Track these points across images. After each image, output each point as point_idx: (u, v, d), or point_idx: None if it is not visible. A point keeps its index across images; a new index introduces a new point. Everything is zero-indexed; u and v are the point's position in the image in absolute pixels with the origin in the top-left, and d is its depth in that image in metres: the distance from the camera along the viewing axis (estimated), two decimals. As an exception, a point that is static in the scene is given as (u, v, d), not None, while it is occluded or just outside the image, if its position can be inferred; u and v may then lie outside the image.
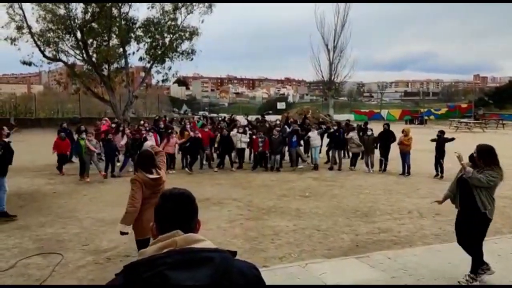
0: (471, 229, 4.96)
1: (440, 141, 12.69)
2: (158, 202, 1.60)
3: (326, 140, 15.17)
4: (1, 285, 5.16)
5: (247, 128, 15.40)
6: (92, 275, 5.46)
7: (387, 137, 13.70)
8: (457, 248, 5.19)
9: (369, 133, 14.06)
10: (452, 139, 12.86)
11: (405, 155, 13.11)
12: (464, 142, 14.12)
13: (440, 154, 12.58)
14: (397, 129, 14.71)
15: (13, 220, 7.90)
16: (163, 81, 26.86)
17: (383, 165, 13.74)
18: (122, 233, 4.68)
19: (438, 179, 12.33)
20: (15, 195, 9.67)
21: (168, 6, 24.16)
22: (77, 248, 6.46)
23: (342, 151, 14.80)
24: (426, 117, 40.95)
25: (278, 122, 17.51)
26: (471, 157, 5.17)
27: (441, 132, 12.86)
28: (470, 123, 33.58)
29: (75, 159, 14.01)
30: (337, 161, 14.23)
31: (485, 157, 4.94)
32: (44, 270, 5.56)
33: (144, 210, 4.62)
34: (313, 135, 14.21)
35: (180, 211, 1.55)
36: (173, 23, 24.48)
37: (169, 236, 1.44)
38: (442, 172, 12.51)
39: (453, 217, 8.14)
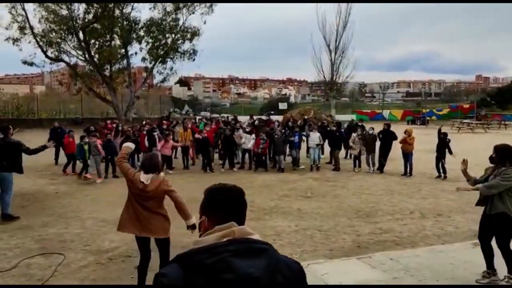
0: (498, 232, 4.88)
1: (442, 142, 12.68)
2: (206, 197, 1.64)
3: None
4: (3, 285, 5.18)
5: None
6: (94, 275, 5.47)
7: (386, 137, 13.69)
8: (458, 248, 5.20)
9: (370, 132, 14.04)
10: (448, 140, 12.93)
11: (407, 155, 13.09)
12: (466, 143, 14.09)
13: (441, 154, 12.57)
14: (399, 129, 14.70)
15: (15, 220, 7.92)
16: (162, 81, 26.92)
17: (380, 165, 13.73)
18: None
19: (441, 180, 12.32)
20: (18, 195, 9.68)
21: (170, 7, 24.21)
22: (79, 248, 6.47)
23: (344, 151, 14.78)
24: (428, 118, 40.88)
25: (277, 123, 17.50)
26: (491, 158, 5.14)
27: (444, 135, 12.82)
28: (472, 123, 33.53)
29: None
30: (335, 161, 14.23)
31: (501, 156, 4.88)
32: (46, 270, 5.58)
33: (125, 206, 4.79)
34: (314, 136, 14.19)
35: (234, 203, 1.60)
36: (174, 23, 24.53)
37: (226, 227, 1.49)
38: (445, 172, 12.50)
39: (454, 217, 8.20)
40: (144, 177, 4.58)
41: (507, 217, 4.77)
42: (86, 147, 12.29)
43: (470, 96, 67.65)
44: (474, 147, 18.98)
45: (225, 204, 1.58)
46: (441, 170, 12.58)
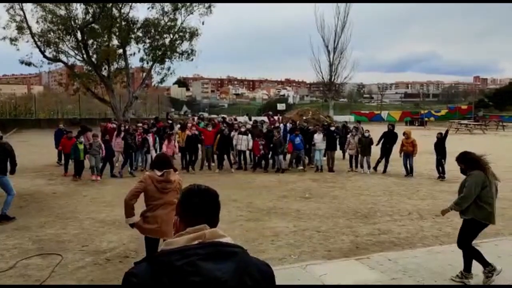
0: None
1: (440, 141, 12.75)
2: (182, 197, 1.66)
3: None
4: (1, 285, 5.16)
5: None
6: (92, 275, 5.45)
7: (390, 138, 13.69)
8: (457, 249, 5.19)
9: (366, 135, 14.05)
10: (447, 131, 13.11)
11: (408, 156, 13.11)
12: (464, 144, 14.13)
13: (441, 154, 12.61)
14: (397, 130, 14.69)
15: (12, 221, 7.89)
16: (161, 81, 26.89)
17: (383, 166, 13.74)
18: (131, 226, 4.81)
19: (439, 181, 12.34)
20: (16, 195, 9.63)
21: (168, 7, 24.19)
22: (77, 249, 6.45)
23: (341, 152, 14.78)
24: (426, 119, 40.95)
25: (277, 124, 17.46)
26: (461, 170, 5.34)
27: (440, 134, 12.97)
28: (470, 124, 33.60)
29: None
30: (330, 161, 14.23)
31: (462, 164, 5.22)
32: (44, 271, 5.56)
33: (150, 209, 4.69)
34: (318, 137, 14.16)
35: (208, 206, 1.62)
36: (172, 23, 24.50)
37: (198, 229, 1.51)
38: (444, 173, 12.53)
39: (453, 219, 8.18)
40: (161, 172, 4.63)
41: (474, 221, 5.02)
42: (81, 146, 12.26)
43: (468, 97, 67.81)
44: (472, 148, 19.00)
45: (197, 206, 1.59)
46: (440, 171, 12.61)
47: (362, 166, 13.91)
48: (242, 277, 1.40)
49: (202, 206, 1.60)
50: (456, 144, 12.86)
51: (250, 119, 20.65)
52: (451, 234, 7.22)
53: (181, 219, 1.61)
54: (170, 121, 17.26)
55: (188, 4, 24.16)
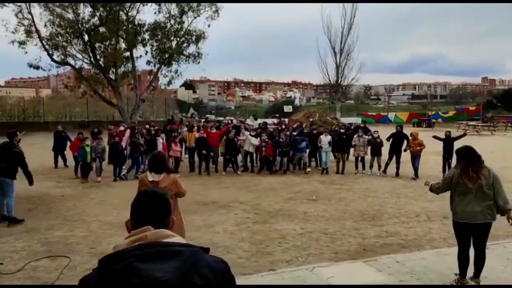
0: None
1: (449, 140, 12.71)
2: (133, 200, 1.71)
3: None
4: (9, 285, 5.20)
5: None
6: (100, 278, 5.47)
7: (399, 139, 13.62)
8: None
9: (375, 135, 14.00)
10: (464, 135, 13.01)
11: (414, 158, 13.03)
12: (472, 145, 13.99)
13: (449, 154, 12.57)
14: (404, 132, 14.62)
15: (20, 223, 7.95)
16: (168, 83, 26.96)
17: (395, 169, 13.65)
18: None
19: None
20: (24, 198, 9.74)
21: (175, 10, 24.29)
22: (85, 251, 6.48)
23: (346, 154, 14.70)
24: (433, 120, 40.70)
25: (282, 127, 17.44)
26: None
27: (449, 132, 13.03)
28: (478, 126, 33.34)
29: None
30: (341, 164, 14.18)
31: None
32: (52, 273, 5.59)
33: None
34: (325, 139, 14.13)
35: (152, 208, 1.66)
36: (179, 26, 24.59)
37: (140, 231, 1.54)
38: None
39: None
40: (153, 176, 4.60)
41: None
42: (88, 149, 12.35)
43: (476, 98, 67.37)
44: (480, 149, 18.85)
45: (141, 209, 1.65)
46: (447, 170, 12.52)
47: (371, 168, 13.84)
48: (188, 276, 1.38)
49: (146, 208, 1.65)
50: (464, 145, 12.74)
51: (256, 119, 20.70)
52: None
53: (131, 222, 1.65)
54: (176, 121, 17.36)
55: (195, 7, 24.22)
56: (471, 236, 4.92)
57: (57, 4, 22.51)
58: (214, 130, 14.53)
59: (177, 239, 1.52)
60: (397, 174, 13.54)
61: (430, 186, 5.46)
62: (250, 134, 14.38)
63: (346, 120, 31.21)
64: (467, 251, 4.96)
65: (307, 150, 14.54)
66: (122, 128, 14.88)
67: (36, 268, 5.77)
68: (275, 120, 19.57)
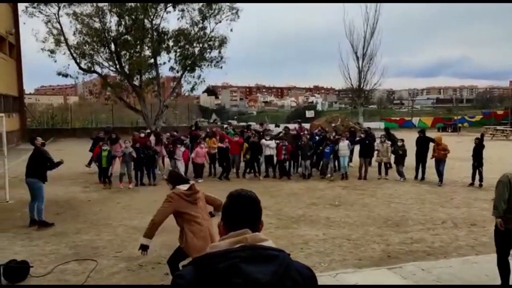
0: None
1: (478, 148, 12.41)
2: (226, 203, 1.73)
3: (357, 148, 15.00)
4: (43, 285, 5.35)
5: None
6: (126, 281, 5.59)
7: (423, 144, 13.43)
8: (494, 259, 5.01)
9: (399, 144, 13.83)
10: (481, 136, 12.78)
11: (439, 163, 12.80)
12: (500, 150, 13.69)
13: (478, 162, 12.27)
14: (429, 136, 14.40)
15: (51, 227, 8.18)
16: (191, 89, 27.25)
17: (420, 173, 13.46)
18: (143, 247, 4.67)
19: (476, 188, 12.00)
20: (53, 202, 10.01)
21: (197, 18, 24.63)
22: (111, 255, 6.62)
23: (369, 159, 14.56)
24: (459, 125, 39.83)
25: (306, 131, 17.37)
26: None
27: (477, 139, 12.68)
28: (506, 130, 32.44)
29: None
30: (363, 169, 14.03)
31: None
32: (80, 276, 5.74)
33: (188, 225, 4.61)
34: (343, 144, 14.06)
35: (249, 211, 1.70)
36: (201, 32, 24.92)
37: (240, 233, 1.58)
38: (481, 180, 12.18)
39: (488, 228, 7.93)
40: (183, 186, 4.70)
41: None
42: (105, 153, 12.64)
43: (504, 102, 65.54)
44: (509, 154, 18.40)
45: (239, 211, 1.67)
46: (476, 178, 12.25)
47: (399, 174, 13.69)
48: (283, 280, 1.45)
49: (244, 211, 1.68)
50: (491, 151, 12.48)
51: (277, 126, 20.71)
52: (488, 243, 6.99)
53: (224, 224, 1.69)
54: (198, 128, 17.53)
55: (216, 12, 24.48)
56: None
57: (85, 13, 23.17)
58: (236, 138, 14.64)
59: (270, 243, 1.57)
60: (422, 178, 13.36)
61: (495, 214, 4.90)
62: (265, 139, 14.37)
63: (368, 125, 30.91)
64: None
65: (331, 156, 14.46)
66: (142, 134, 15.11)
67: (64, 271, 5.93)
68: (297, 126, 19.46)
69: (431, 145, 13.24)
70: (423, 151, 13.40)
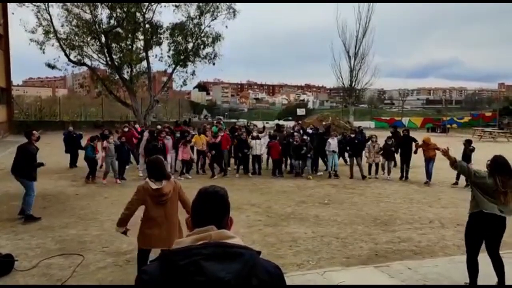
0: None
1: (466, 154, 12.50)
2: (195, 198, 1.71)
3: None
4: (24, 285, 5.28)
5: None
6: (112, 276, 5.54)
7: (406, 143, 13.56)
8: (479, 259, 5.06)
9: (389, 142, 13.91)
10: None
11: (428, 162, 12.91)
12: (488, 152, 13.81)
13: (466, 161, 12.37)
14: (418, 137, 14.49)
15: (36, 221, 8.07)
16: (183, 84, 27.14)
17: (404, 172, 13.59)
18: (122, 233, 4.91)
19: (463, 188, 12.10)
20: (40, 196, 9.85)
21: (194, 12, 24.51)
22: (98, 250, 6.56)
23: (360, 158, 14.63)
24: (448, 126, 40.24)
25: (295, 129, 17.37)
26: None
27: (468, 142, 12.78)
28: (494, 132, 32.85)
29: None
30: (359, 168, 14.09)
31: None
32: (66, 271, 5.67)
33: (144, 221, 4.70)
34: (333, 142, 14.09)
35: (215, 208, 1.66)
36: (197, 28, 24.81)
37: (205, 230, 1.56)
38: (467, 180, 12.28)
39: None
40: (156, 184, 4.57)
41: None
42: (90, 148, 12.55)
43: (493, 104, 66.43)
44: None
45: (205, 208, 1.65)
46: (463, 179, 12.35)
47: (383, 169, 13.82)
48: (247, 278, 1.42)
49: (209, 207, 1.64)
50: (479, 152, 12.60)
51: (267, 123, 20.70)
52: (474, 244, 7.07)
53: (192, 219, 1.67)
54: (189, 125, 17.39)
55: (214, 8, 24.38)
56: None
57: (75, 4, 22.89)
58: (222, 133, 14.52)
59: (237, 240, 1.54)
60: (406, 178, 13.52)
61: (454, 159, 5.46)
62: (253, 137, 14.31)
63: (359, 124, 31.06)
64: None
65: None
66: (126, 129, 14.91)
67: (50, 266, 5.86)
68: (294, 124, 19.29)
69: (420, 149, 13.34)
70: (406, 150, 13.53)
